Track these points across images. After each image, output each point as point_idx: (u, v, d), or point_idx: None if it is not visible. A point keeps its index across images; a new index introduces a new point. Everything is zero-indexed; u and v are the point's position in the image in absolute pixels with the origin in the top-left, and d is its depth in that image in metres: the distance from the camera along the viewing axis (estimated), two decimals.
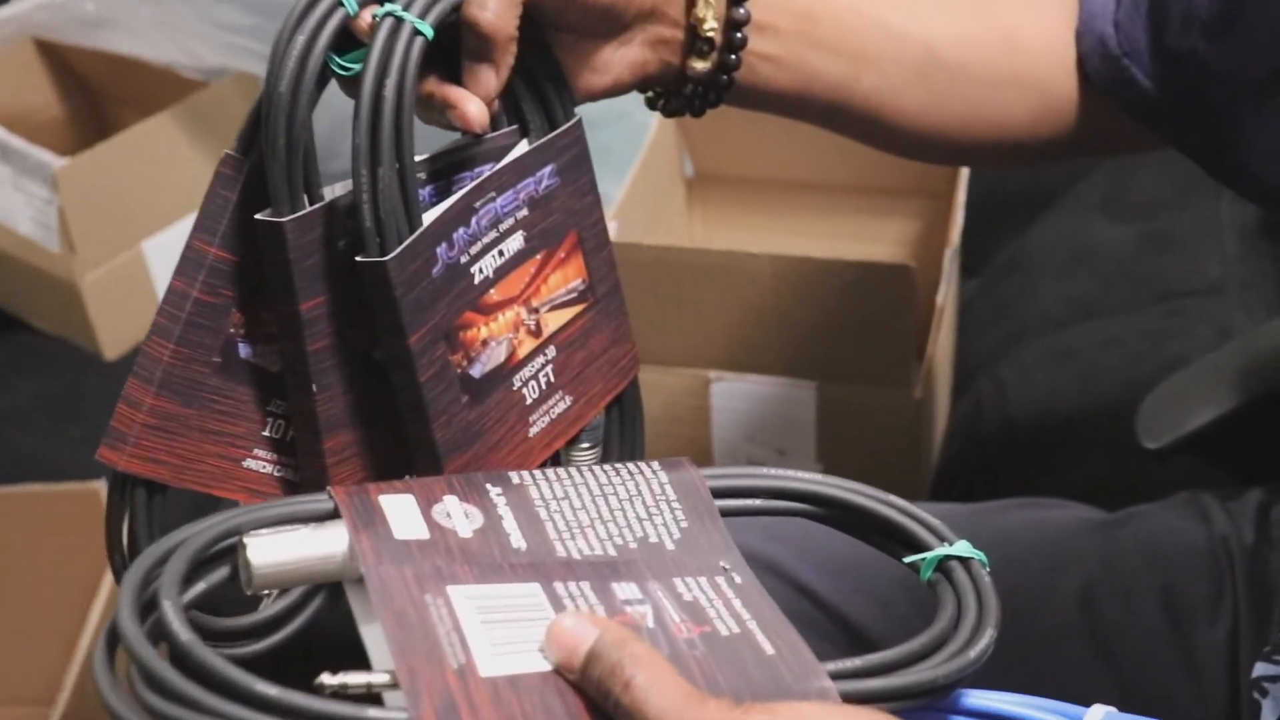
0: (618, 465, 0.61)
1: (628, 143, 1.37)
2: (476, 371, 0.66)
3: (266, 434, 0.65)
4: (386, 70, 0.60)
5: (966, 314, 1.43)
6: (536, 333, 0.69)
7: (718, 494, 0.60)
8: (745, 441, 1.26)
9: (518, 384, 0.68)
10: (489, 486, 0.59)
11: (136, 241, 1.50)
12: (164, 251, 1.52)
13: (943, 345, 1.26)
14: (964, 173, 1.32)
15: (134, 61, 1.56)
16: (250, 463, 0.64)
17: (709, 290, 1.21)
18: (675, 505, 0.59)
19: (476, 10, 0.63)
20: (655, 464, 0.60)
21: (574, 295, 0.70)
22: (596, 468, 0.60)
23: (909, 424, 1.21)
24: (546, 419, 0.68)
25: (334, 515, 0.56)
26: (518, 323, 0.68)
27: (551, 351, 0.69)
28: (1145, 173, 1.43)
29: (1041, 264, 1.42)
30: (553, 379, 0.69)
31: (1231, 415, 0.95)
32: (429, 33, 0.62)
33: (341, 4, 0.61)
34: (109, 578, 1.15)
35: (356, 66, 0.61)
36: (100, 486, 1.15)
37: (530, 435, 0.67)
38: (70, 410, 1.46)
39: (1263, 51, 0.80)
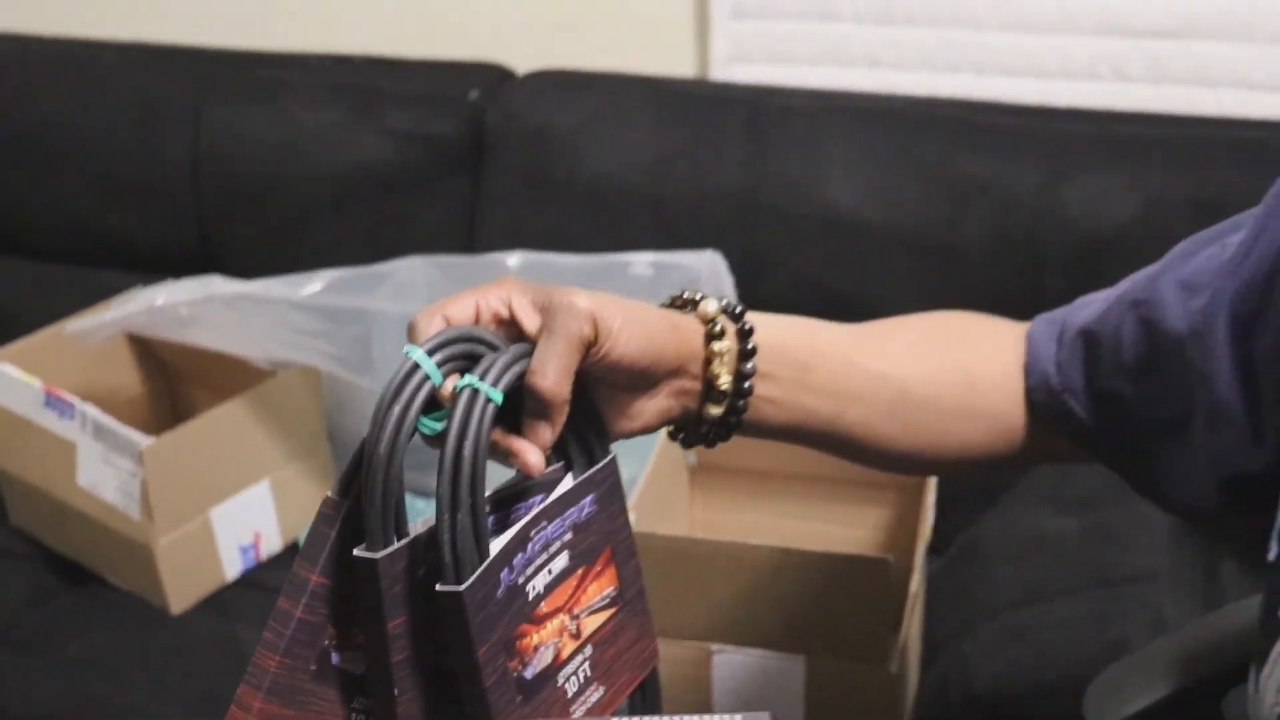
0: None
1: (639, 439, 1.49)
2: (529, 674, 0.70)
3: None
4: (465, 434, 0.67)
5: (933, 592, 1.50)
6: (577, 635, 0.73)
7: None
8: (742, 707, 1.34)
9: (561, 680, 0.72)
10: None
11: (205, 510, 1.56)
12: (228, 518, 1.58)
13: (914, 625, 1.36)
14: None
15: (212, 353, 1.64)
16: None
17: (713, 574, 1.29)
18: None
19: (539, 380, 0.70)
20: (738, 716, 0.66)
21: (607, 600, 0.75)
22: None
23: (886, 696, 1.29)
24: (583, 709, 0.73)
25: None
26: (562, 628, 0.73)
27: (589, 650, 0.74)
28: (1087, 471, 1.54)
29: (998, 550, 1.50)
30: (589, 673, 0.74)
31: (1162, 702, 1.05)
32: (499, 400, 0.68)
33: (429, 378, 0.68)
34: None
35: (439, 426, 0.68)
36: None
37: None
38: (138, 659, 1.50)
39: (1173, 399, 0.87)
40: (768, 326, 0.83)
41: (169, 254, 1.91)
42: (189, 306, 1.56)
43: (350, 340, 1.54)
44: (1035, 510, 1.52)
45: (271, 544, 1.64)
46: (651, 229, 1.67)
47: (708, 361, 0.79)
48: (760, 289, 1.68)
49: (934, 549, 1.54)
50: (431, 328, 0.71)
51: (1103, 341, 0.89)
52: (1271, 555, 0.79)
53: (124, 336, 1.70)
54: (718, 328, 0.79)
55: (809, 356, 0.85)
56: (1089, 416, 0.91)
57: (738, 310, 0.81)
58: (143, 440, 1.49)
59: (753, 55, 1.77)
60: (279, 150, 1.84)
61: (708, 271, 1.47)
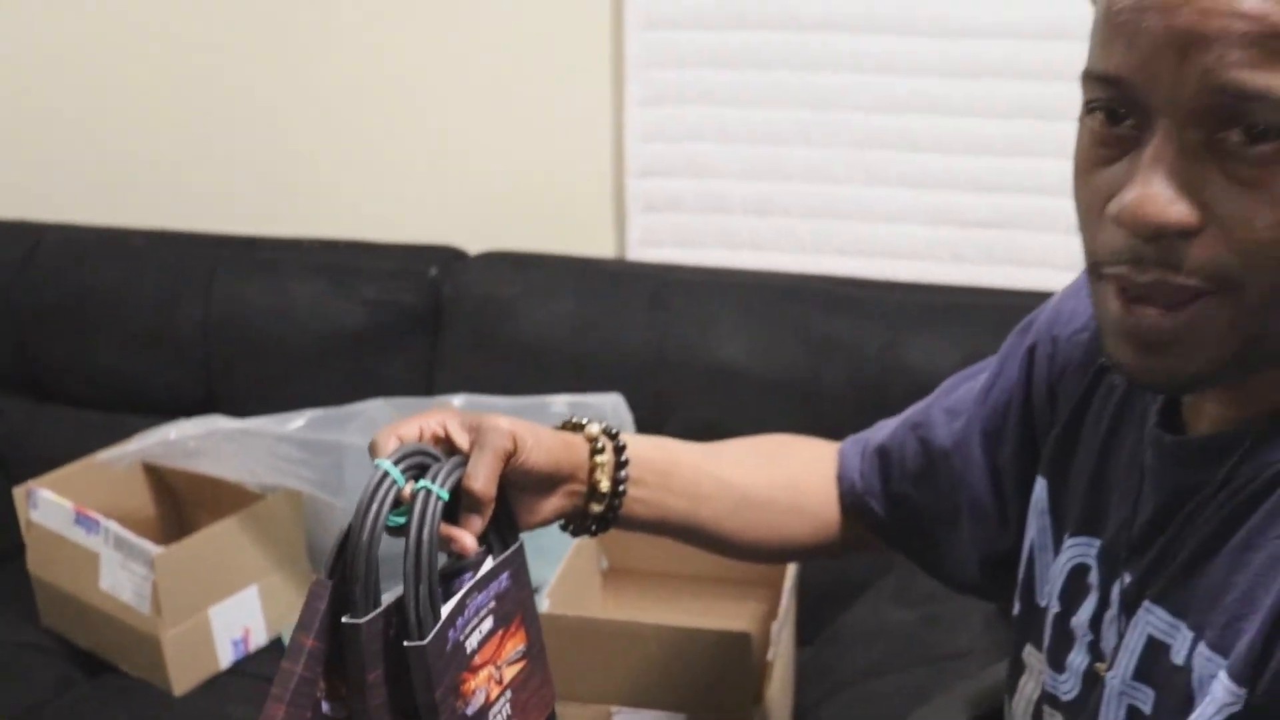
0: None
1: (560, 543, 1.70)
2: (469, 711, 0.81)
3: None
4: (423, 524, 0.80)
5: (801, 672, 1.70)
6: (500, 682, 0.84)
7: None
8: None
9: (491, 717, 0.83)
10: None
11: (205, 608, 1.72)
12: (223, 616, 1.74)
13: (775, 690, 1.57)
14: (790, 571, 1.64)
15: (213, 479, 1.82)
16: None
17: (612, 647, 1.48)
18: None
19: (474, 482, 0.84)
20: None
21: (520, 654, 0.87)
22: None
23: None
24: None
25: None
26: (490, 676, 0.83)
27: (509, 693, 0.85)
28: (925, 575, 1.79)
29: (853, 637, 1.71)
30: (510, 712, 0.85)
31: None
32: (446, 497, 0.81)
33: (395, 482, 0.81)
34: None
35: (402, 520, 0.80)
36: None
37: None
38: None
39: (944, 497, 1.03)
40: (637, 444, 0.99)
41: (183, 399, 2.09)
42: (196, 440, 1.78)
43: (326, 468, 1.76)
44: (884, 605, 1.73)
45: (259, 638, 1.80)
46: (575, 379, 1.91)
47: (591, 470, 0.95)
48: (664, 429, 1.92)
49: (805, 640, 1.76)
50: (389, 445, 0.85)
51: (892, 455, 1.07)
52: (1015, 611, 0.95)
53: (141, 465, 1.87)
54: (599, 445, 0.95)
55: (669, 467, 1.01)
56: (885, 514, 1.07)
57: (615, 432, 0.97)
58: (155, 550, 1.65)
59: (661, 240, 2.06)
60: (274, 315, 2.07)
61: (611, 410, 1.75)
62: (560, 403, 1.74)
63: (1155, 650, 0.78)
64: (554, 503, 0.94)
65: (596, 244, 2.11)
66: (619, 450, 0.97)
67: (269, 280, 2.10)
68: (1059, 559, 0.91)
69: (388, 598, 0.79)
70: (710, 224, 2.05)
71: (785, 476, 1.10)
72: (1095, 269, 0.73)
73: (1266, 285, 0.68)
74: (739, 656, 1.48)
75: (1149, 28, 0.66)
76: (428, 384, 2.01)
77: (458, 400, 1.77)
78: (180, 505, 1.95)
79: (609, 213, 2.10)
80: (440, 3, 2.07)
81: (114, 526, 1.70)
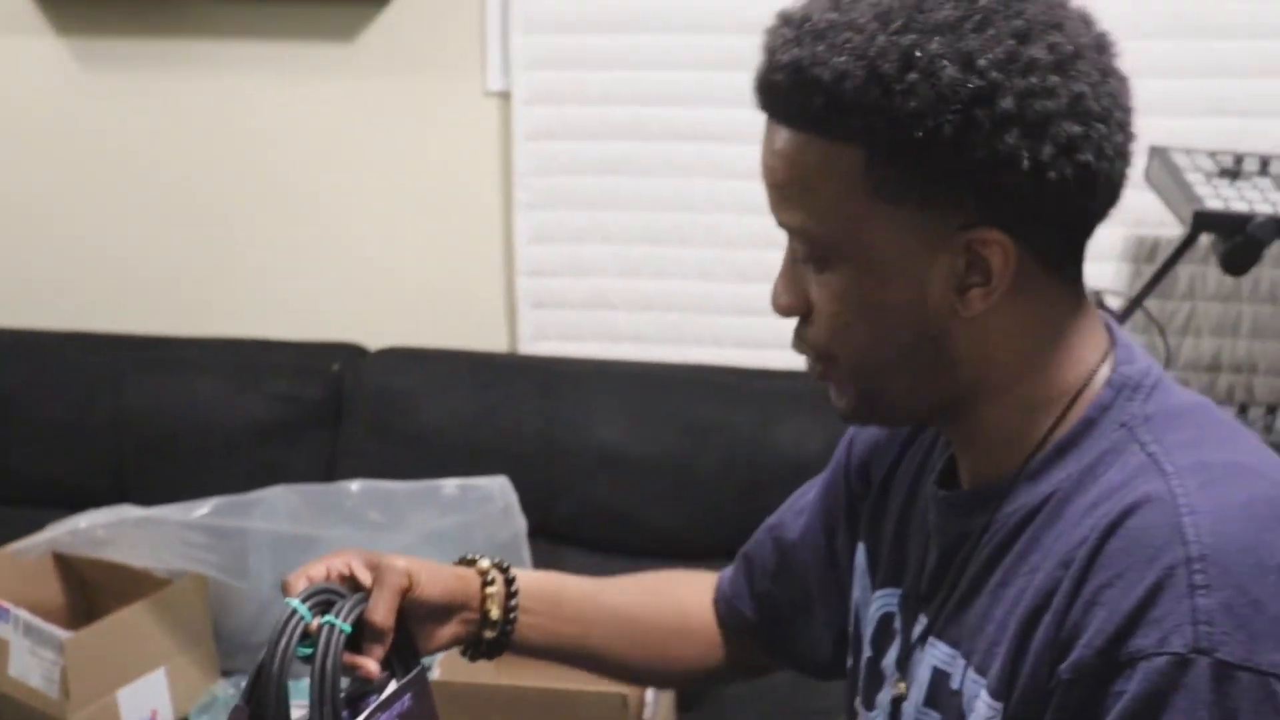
0: None
1: None
2: None
3: None
4: (327, 655, 0.89)
5: None
6: None
7: None
8: None
9: None
10: None
11: (113, 691, 1.76)
12: (131, 698, 1.78)
13: None
14: None
15: (122, 566, 1.87)
16: None
17: (498, 711, 1.60)
18: None
19: (374, 615, 0.94)
20: None
21: None
22: None
23: None
24: None
25: None
26: None
27: None
28: None
29: (734, 698, 1.84)
30: None
31: None
32: (348, 629, 0.91)
33: (303, 619, 0.91)
34: None
35: (309, 651, 0.90)
36: None
37: None
38: None
39: (799, 586, 1.12)
40: (527, 576, 1.06)
41: (94, 494, 2.06)
42: (104, 529, 1.84)
43: (231, 553, 1.84)
44: None
45: (166, 719, 1.85)
46: (469, 465, 2.00)
47: (483, 600, 1.02)
48: (556, 509, 2.07)
49: (686, 707, 1.86)
50: (299, 585, 0.94)
51: (754, 559, 1.15)
52: (848, 666, 1.06)
53: (52, 555, 1.91)
54: (490, 577, 1.03)
55: (558, 596, 1.09)
56: (754, 614, 1.14)
57: (505, 565, 1.05)
58: (63, 635, 1.70)
59: (549, 335, 2.19)
60: (183, 411, 2.16)
61: (498, 491, 1.86)
62: (450, 485, 1.85)
63: (939, 679, 0.90)
64: (450, 630, 1.02)
65: (490, 339, 2.23)
66: (509, 581, 1.04)
67: (178, 377, 2.19)
68: (870, 609, 1.02)
69: (299, 717, 0.89)
70: (595, 319, 2.19)
71: (671, 601, 1.17)
72: None
73: (852, 356, 0.87)
74: (615, 717, 1.60)
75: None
76: (329, 473, 2.10)
77: (355, 486, 1.87)
78: (90, 593, 1.98)
79: (501, 310, 2.23)
80: (341, 116, 2.21)
81: (23, 614, 1.75)
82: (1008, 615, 0.84)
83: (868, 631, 1.02)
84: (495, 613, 1.03)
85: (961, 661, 0.88)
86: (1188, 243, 1.84)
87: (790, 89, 0.82)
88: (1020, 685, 0.81)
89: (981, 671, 0.85)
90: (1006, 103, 0.78)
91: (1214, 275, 2.06)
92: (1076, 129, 0.80)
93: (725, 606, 1.16)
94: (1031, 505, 0.86)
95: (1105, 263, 2.06)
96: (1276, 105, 1.99)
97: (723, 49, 2.06)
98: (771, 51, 0.84)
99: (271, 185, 2.25)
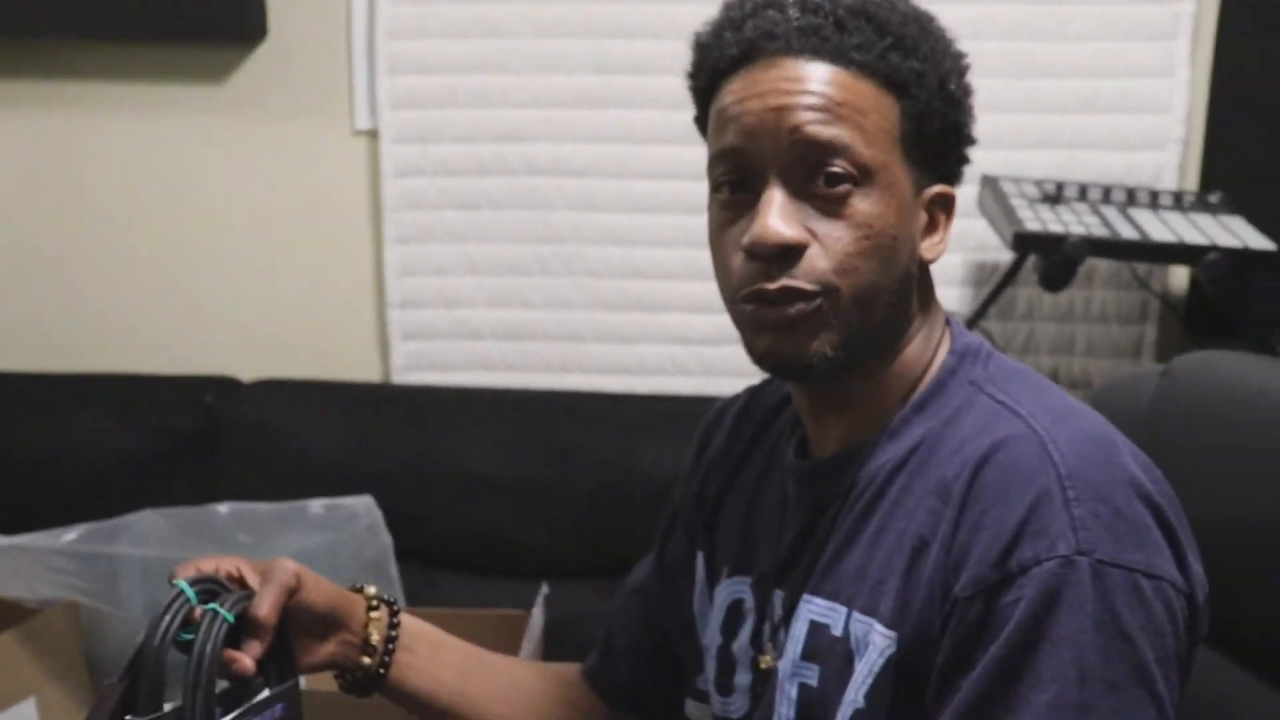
0: None
1: None
2: None
3: None
4: (207, 641, 0.89)
5: None
6: None
7: None
8: None
9: None
10: None
11: None
12: None
13: None
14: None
15: None
16: None
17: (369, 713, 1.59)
18: None
19: (258, 610, 0.94)
20: None
21: None
22: None
23: None
24: None
25: None
26: None
27: None
28: None
29: None
30: None
31: None
32: (231, 619, 0.91)
33: (189, 600, 0.90)
34: None
35: (191, 637, 0.90)
36: None
37: None
38: None
39: (650, 626, 1.18)
40: (411, 619, 1.08)
41: None
42: None
43: (101, 578, 1.83)
44: None
45: None
46: (343, 492, 2.00)
47: (365, 624, 1.04)
48: (427, 533, 2.11)
49: None
50: (188, 573, 0.95)
51: (613, 622, 1.20)
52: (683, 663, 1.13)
53: None
54: (374, 603, 1.05)
55: (440, 640, 1.12)
56: (622, 675, 1.19)
57: (393, 600, 1.07)
58: None
59: (421, 366, 2.24)
60: (58, 446, 2.16)
61: (364, 510, 1.90)
62: (316, 505, 1.88)
63: (817, 631, 0.96)
64: (329, 648, 1.03)
65: (363, 371, 2.28)
66: (393, 613, 1.07)
67: (51, 413, 2.20)
68: (715, 602, 1.09)
69: (170, 706, 0.89)
70: (464, 349, 2.24)
71: (554, 670, 1.22)
72: (735, 301, 0.94)
73: (857, 286, 0.91)
74: None
75: (751, 109, 0.92)
76: (205, 501, 2.06)
77: (223, 508, 1.89)
78: None
79: (373, 342, 2.28)
80: (214, 154, 2.26)
81: None
82: (891, 554, 0.91)
83: (714, 623, 1.08)
84: (375, 637, 1.04)
85: (843, 609, 0.94)
86: (1016, 264, 1.95)
87: (855, 28, 0.92)
88: (914, 612, 0.89)
89: (869, 611, 0.92)
90: (965, 76, 0.96)
91: (1049, 298, 2.18)
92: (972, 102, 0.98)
93: (598, 671, 1.20)
94: (897, 458, 0.94)
95: (948, 287, 2.17)
96: (1099, 139, 2.11)
97: (580, 87, 2.14)
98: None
99: (146, 223, 2.28)
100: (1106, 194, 1.98)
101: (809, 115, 0.90)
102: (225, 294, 2.30)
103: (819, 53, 0.91)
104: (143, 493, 2.10)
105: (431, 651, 1.10)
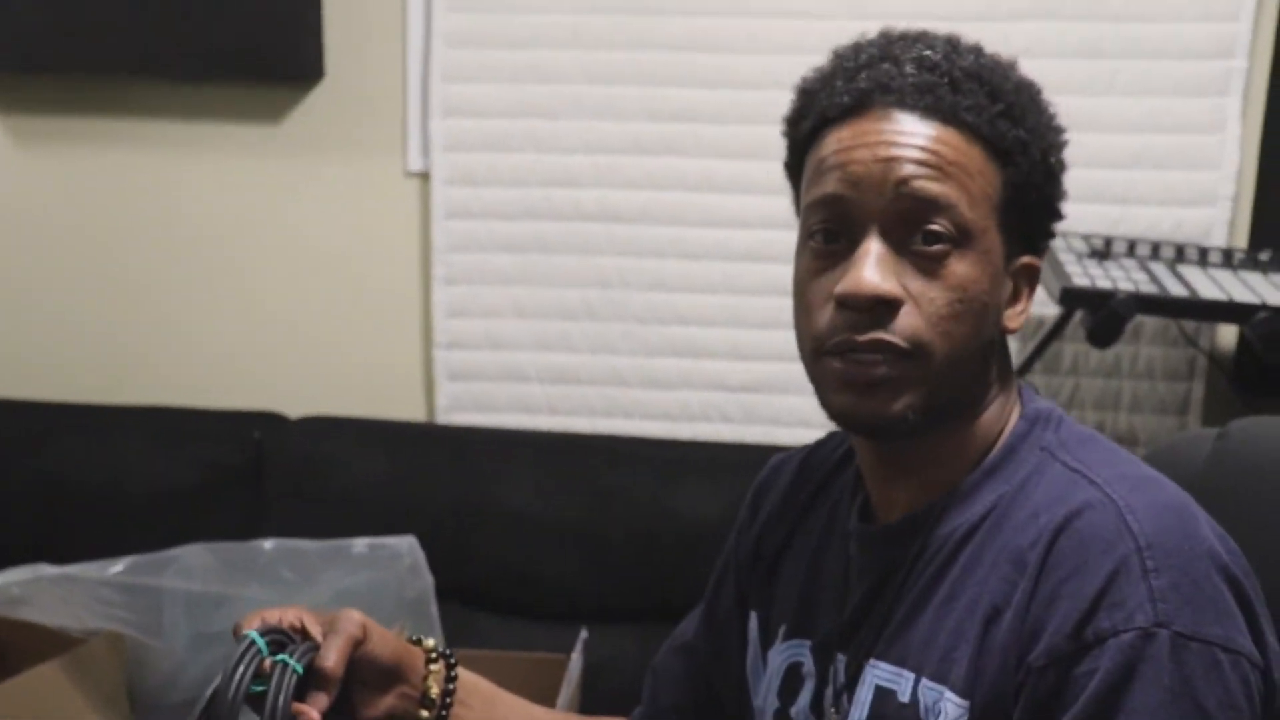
0: None
1: None
2: None
3: None
4: (279, 694, 0.90)
5: None
6: None
7: None
8: None
9: None
10: None
11: None
12: None
13: None
14: (571, 670, 1.77)
15: (36, 625, 1.85)
16: None
17: None
18: None
19: (324, 661, 0.94)
20: None
21: None
22: None
23: None
24: None
25: None
26: None
27: None
28: None
29: None
30: None
31: None
32: (300, 670, 0.91)
33: (261, 651, 0.91)
34: None
35: (261, 689, 0.90)
36: None
37: None
38: None
39: (699, 682, 1.17)
40: (467, 672, 1.08)
41: (12, 554, 2.01)
42: (20, 586, 1.83)
43: (146, 610, 1.84)
44: None
45: None
46: (384, 529, 2.01)
47: (425, 676, 1.04)
48: (467, 570, 2.12)
49: None
50: (254, 624, 0.95)
51: (658, 670, 1.20)
52: None
53: None
54: (434, 656, 1.05)
55: (494, 696, 1.12)
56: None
57: (449, 653, 1.07)
58: None
59: (465, 406, 2.25)
60: (106, 476, 2.19)
61: (407, 549, 1.91)
62: (360, 544, 1.89)
63: (883, 696, 0.95)
64: (389, 700, 1.02)
65: (408, 410, 2.29)
66: (450, 665, 1.07)
67: (101, 442, 2.23)
68: (770, 665, 1.08)
69: None
70: (509, 391, 2.25)
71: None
72: (818, 351, 0.93)
73: (948, 349, 0.91)
74: None
75: (858, 158, 0.91)
76: (249, 534, 2.08)
77: (268, 544, 1.90)
78: (5, 654, 1.93)
79: (419, 382, 2.29)
80: (267, 193, 2.28)
81: None
82: (962, 622, 0.91)
83: (772, 686, 1.07)
84: (434, 690, 1.04)
85: (910, 675, 0.94)
86: (1063, 319, 1.94)
87: (968, 89, 0.92)
88: (987, 681, 0.88)
89: (939, 678, 0.91)
90: (1063, 151, 0.97)
91: (1095, 354, 2.16)
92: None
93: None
94: (970, 523, 0.93)
95: None
96: (1148, 194, 2.10)
97: (631, 134, 2.16)
98: (930, 53, 0.94)
99: (199, 259, 2.31)
100: (1155, 250, 1.97)
101: (918, 170, 0.90)
102: (274, 330, 2.32)
103: (932, 111, 0.91)
104: (189, 525, 2.13)
105: (486, 706, 1.09)
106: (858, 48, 0.96)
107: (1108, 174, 2.11)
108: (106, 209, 2.32)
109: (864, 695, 0.96)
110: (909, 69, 0.92)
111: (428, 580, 1.91)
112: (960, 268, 0.90)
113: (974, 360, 0.93)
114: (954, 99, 0.91)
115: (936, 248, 0.90)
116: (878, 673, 0.96)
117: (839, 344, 0.91)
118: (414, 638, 1.06)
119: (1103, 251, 1.95)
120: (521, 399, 2.25)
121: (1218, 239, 2.09)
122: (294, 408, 2.27)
